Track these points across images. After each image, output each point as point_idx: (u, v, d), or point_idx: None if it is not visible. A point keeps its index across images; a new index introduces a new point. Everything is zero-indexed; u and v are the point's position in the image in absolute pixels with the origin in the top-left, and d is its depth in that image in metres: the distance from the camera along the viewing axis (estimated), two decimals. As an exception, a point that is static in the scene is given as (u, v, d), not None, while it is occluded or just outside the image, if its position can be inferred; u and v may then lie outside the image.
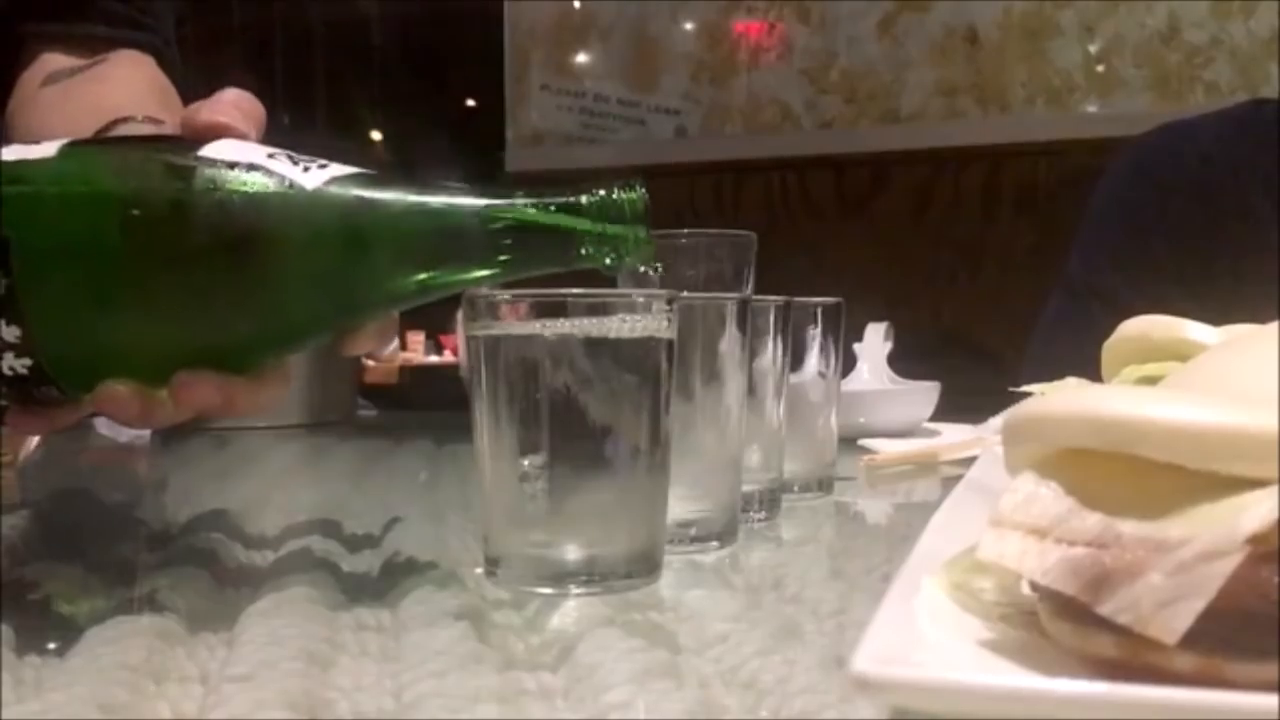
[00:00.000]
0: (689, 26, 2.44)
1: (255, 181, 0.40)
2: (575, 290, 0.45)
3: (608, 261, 0.43)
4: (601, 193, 0.42)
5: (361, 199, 0.41)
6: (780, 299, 0.62)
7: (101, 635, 0.38)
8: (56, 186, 0.41)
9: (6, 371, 0.41)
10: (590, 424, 0.45)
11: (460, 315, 0.48)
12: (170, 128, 0.48)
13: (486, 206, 0.42)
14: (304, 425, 1.19)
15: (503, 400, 0.45)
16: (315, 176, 0.41)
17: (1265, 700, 0.22)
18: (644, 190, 0.43)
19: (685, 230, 0.58)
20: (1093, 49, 2.14)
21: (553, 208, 0.42)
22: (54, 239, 0.40)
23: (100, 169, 0.41)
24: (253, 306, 0.41)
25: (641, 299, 0.46)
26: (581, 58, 2.52)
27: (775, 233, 2.18)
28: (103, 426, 1.35)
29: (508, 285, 0.44)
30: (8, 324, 0.40)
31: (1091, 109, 2.14)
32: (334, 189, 0.41)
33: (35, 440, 0.95)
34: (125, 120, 0.56)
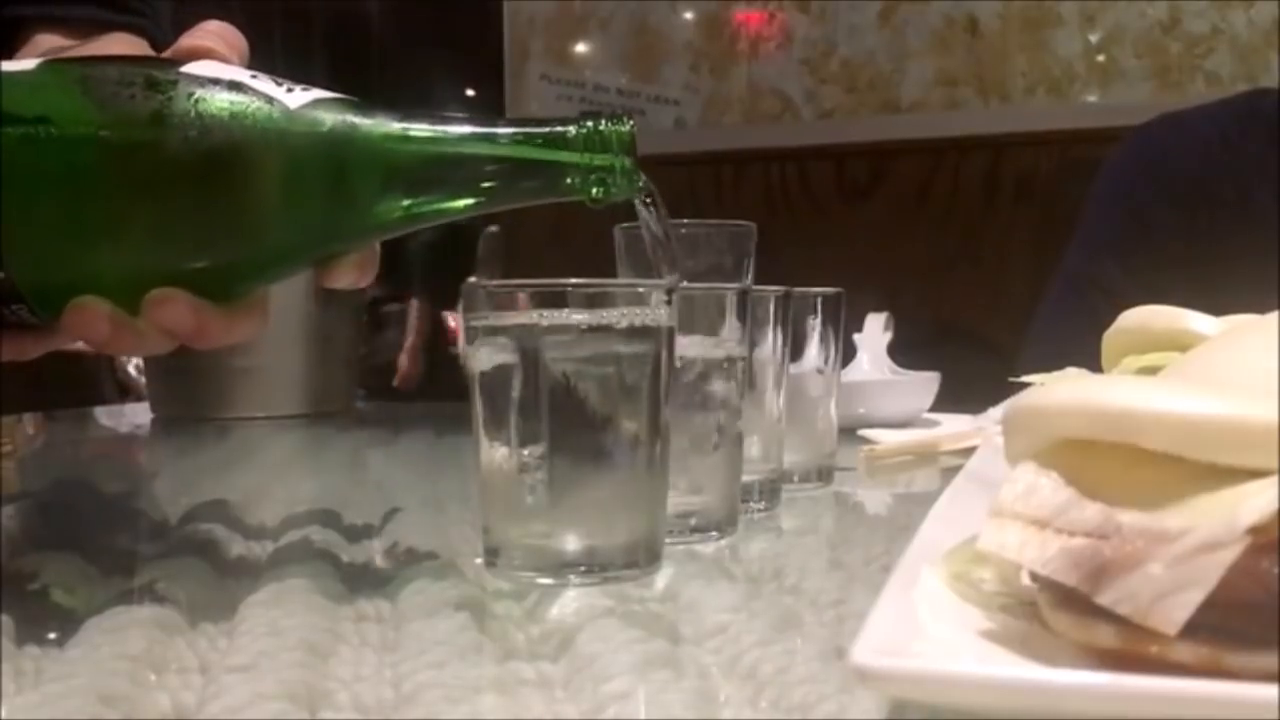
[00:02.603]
0: (689, 16, 2.43)
1: (237, 100, 0.40)
2: (575, 280, 0.45)
3: (594, 193, 0.42)
4: (589, 124, 0.42)
5: (346, 122, 0.40)
6: (780, 289, 0.62)
7: (101, 625, 0.38)
8: (32, 100, 0.39)
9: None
10: (590, 414, 0.45)
11: (460, 304, 0.48)
12: None
13: (473, 134, 0.41)
14: (303, 415, 1.19)
15: (502, 391, 0.45)
16: (298, 98, 0.40)
17: (1265, 690, 0.22)
18: (632, 124, 0.42)
19: (685, 220, 0.58)
20: (1093, 39, 2.14)
21: (539, 139, 0.42)
22: (28, 153, 0.39)
23: (77, 82, 0.40)
24: (230, 228, 0.40)
25: (641, 289, 0.46)
26: (581, 48, 2.51)
27: (775, 223, 2.18)
28: (103, 416, 1.36)
29: (496, 219, 0.44)
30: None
31: (1092, 99, 2.14)
32: (318, 111, 0.40)
33: (35, 430, 0.95)
34: None
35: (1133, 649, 0.26)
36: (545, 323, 0.45)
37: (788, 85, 2.33)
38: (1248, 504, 0.25)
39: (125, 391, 1.93)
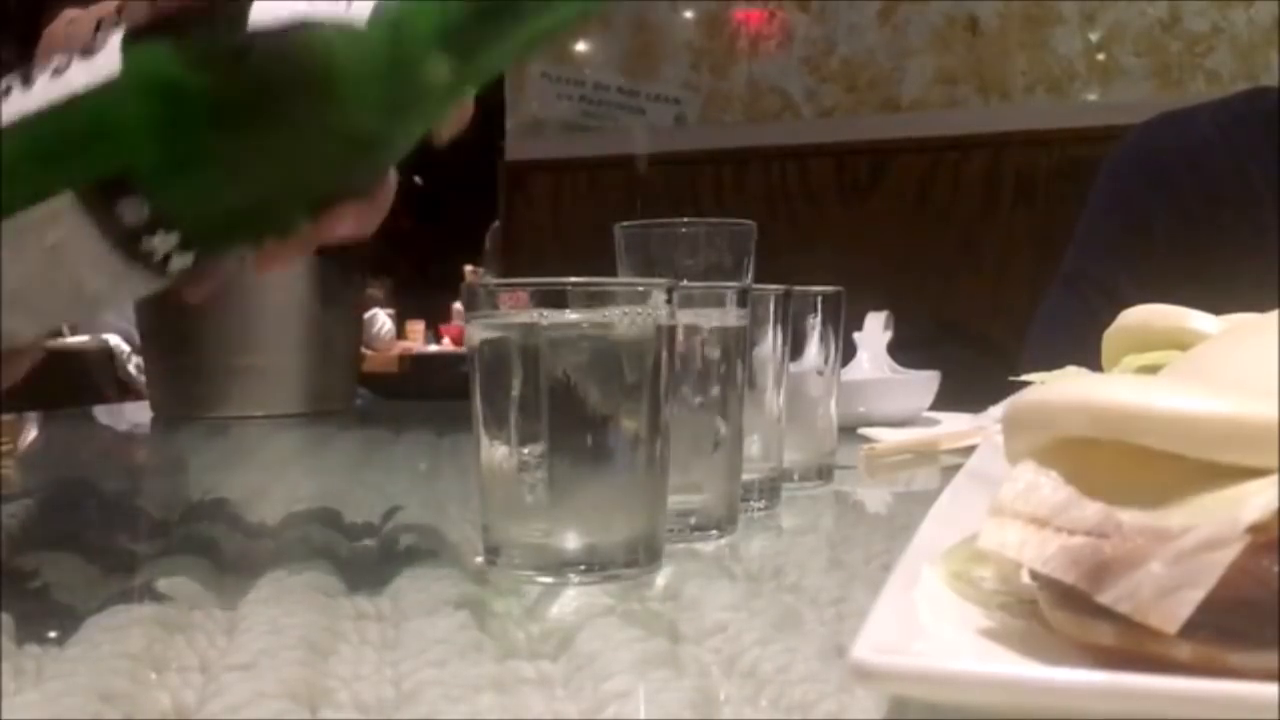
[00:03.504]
0: (689, 15, 2.43)
1: (315, 33, 0.42)
2: (575, 279, 0.45)
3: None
4: None
5: (409, 11, 0.43)
6: (780, 288, 0.62)
7: (101, 624, 0.38)
8: (149, 104, 0.41)
9: (176, 267, 0.43)
10: (590, 413, 0.45)
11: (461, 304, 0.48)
12: None
13: None
14: (303, 414, 1.19)
15: (502, 389, 0.45)
16: (359, 9, 0.42)
17: (1266, 689, 0.22)
18: None
19: (685, 219, 0.58)
20: (1094, 37, 2.14)
21: None
22: (171, 148, 0.41)
23: (176, 72, 0.42)
24: (360, 137, 0.43)
25: (641, 288, 0.46)
26: (581, 46, 2.51)
27: (775, 221, 2.18)
28: (102, 415, 1.36)
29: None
30: (166, 232, 0.42)
31: (1092, 98, 2.14)
32: (382, 14, 0.42)
33: (35, 429, 0.95)
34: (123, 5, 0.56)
35: (1133, 647, 0.26)
36: (545, 321, 0.45)
37: (788, 84, 2.33)
38: (1248, 502, 0.25)
39: (125, 390, 1.93)
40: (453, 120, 0.47)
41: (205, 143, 0.42)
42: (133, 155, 0.41)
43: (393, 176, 0.48)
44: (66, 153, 0.42)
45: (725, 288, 0.56)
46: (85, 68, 0.42)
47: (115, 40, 0.43)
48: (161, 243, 0.42)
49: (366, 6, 0.42)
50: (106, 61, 0.42)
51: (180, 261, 0.43)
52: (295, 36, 0.42)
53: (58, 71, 0.43)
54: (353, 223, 0.46)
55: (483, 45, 0.44)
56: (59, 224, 0.41)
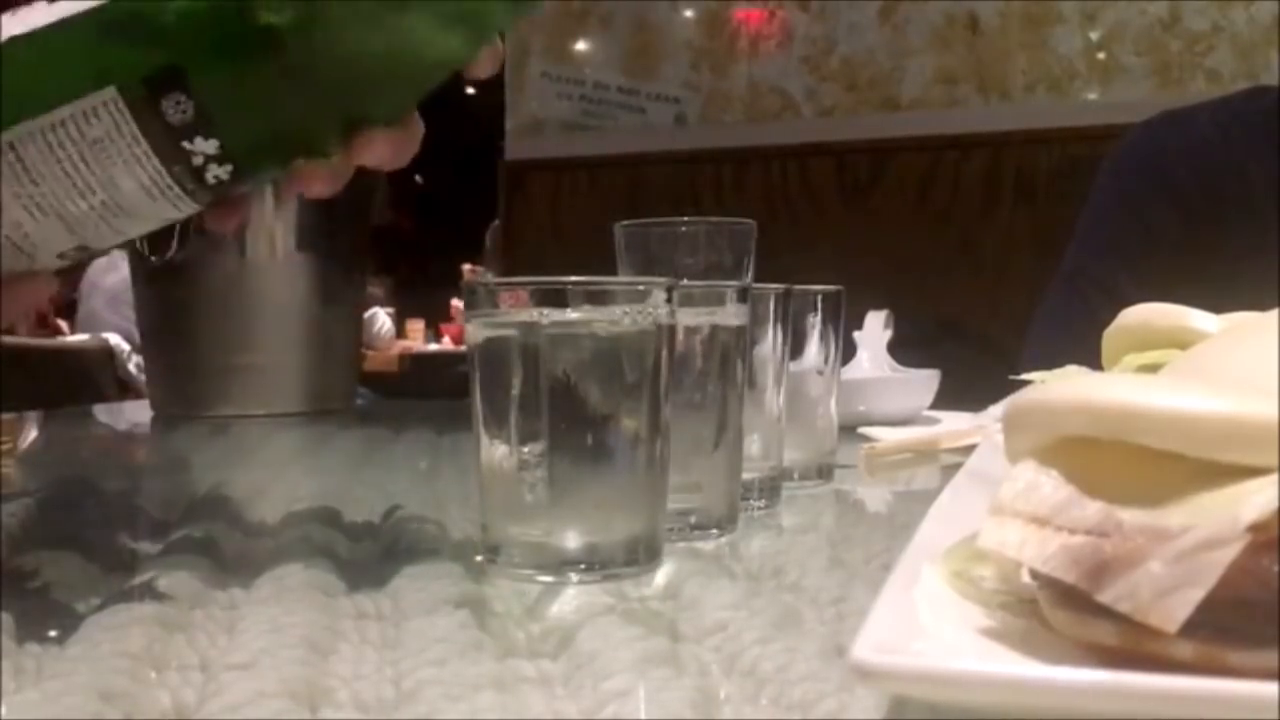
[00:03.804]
0: (689, 14, 2.43)
1: None
2: (575, 278, 0.45)
3: None
4: None
5: None
6: (780, 287, 0.62)
7: (101, 623, 0.38)
8: (205, 5, 0.42)
9: (211, 180, 0.44)
10: (590, 412, 0.45)
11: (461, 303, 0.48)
12: None
13: None
14: (304, 413, 1.19)
15: (502, 388, 0.45)
16: None
17: (1266, 688, 0.22)
18: None
19: (685, 218, 0.58)
20: (1094, 36, 2.14)
21: None
22: (220, 54, 0.42)
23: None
24: (402, 60, 0.44)
25: (641, 287, 0.46)
26: (581, 45, 2.51)
27: (775, 221, 2.18)
28: (102, 414, 1.36)
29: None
30: (205, 138, 0.42)
31: (1092, 97, 2.14)
32: None
33: (35, 428, 0.95)
34: None
35: (1133, 647, 0.26)
36: (545, 320, 0.45)
37: (788, 83, 2.33)
38: (1248, 502, 0.25)
39: (125, 389, 1.94)
40: (486, 58, 0.47)
41: (253, 47, 0.42)
42: (182, 54, 0.42)
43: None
44: (115, 45, 0.42)
45: (725, 287, 0.56)
46: None
47: None
48: (202, 147, 0.43)
49: None
50: None
51: (217, 172, 0.43)
52: None
53: None
54: (386, 150, 0.46)
55: None
56: (102, 119, 0.41)
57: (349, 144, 0.46)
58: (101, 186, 0.43)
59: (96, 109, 0.41)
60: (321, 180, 0.47)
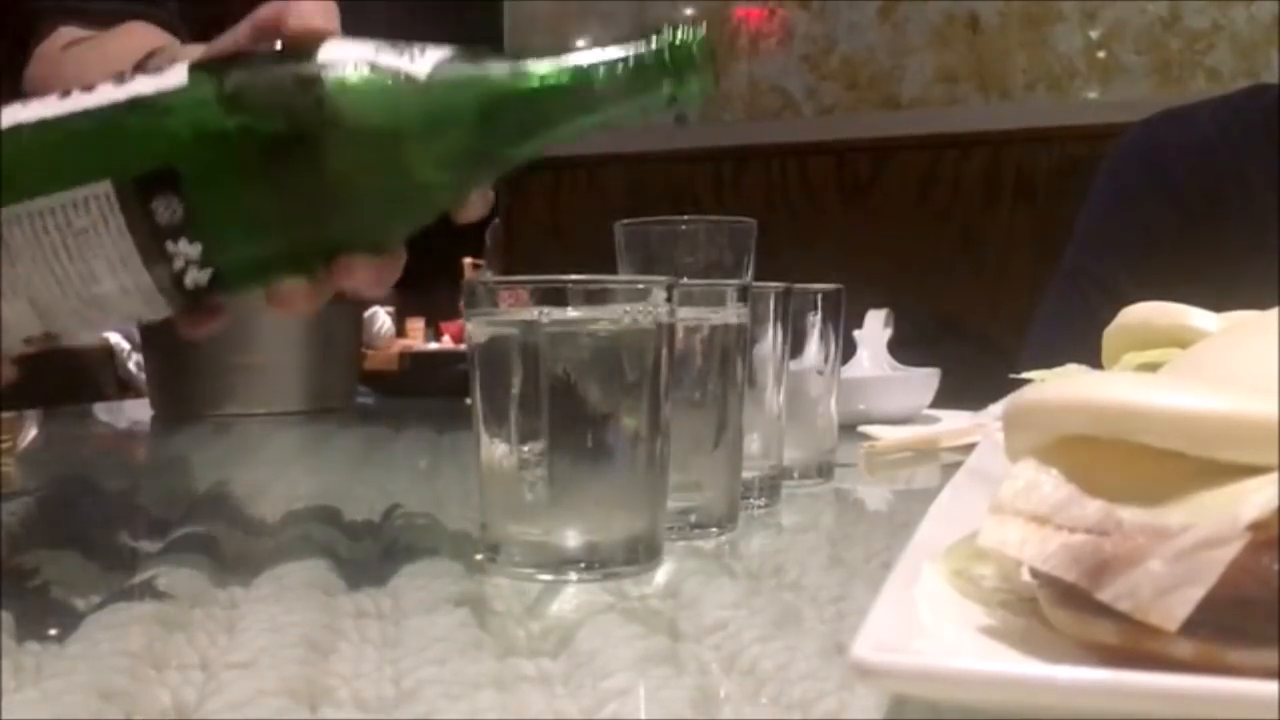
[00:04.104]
0: (689, 12, 2.43)
1: (375, 80, 0.44)
2: (575, 277, 0.45)
3: (683, 97, 0.46)
4: (669, 37, 0.45)
5: (469, 77, 0.45)
6: (780, 286, 0.62)
7: (101, 622, 0.38)
8: (209, 115, 0.43)
9: (189, 285, 0.44)
10: (590, 411, 0.45)
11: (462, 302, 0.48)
12: (243, 40, 0.51)
13: (575, 67, 0.45)
14: (304, 412, 1.19)
15: (502, 387, 0.45)
16: (423, 64, 0.44)
17: (1265, 686, 0.22)
18: (703, 32, 0.46)
19: (685, 217, 0.58)
20: (1094, 35, 2.14)
21: (628, 62, 0.45)
22: (216, 162, 0.43)
23: (241, 93, 0.43)
24: (395, 193, 0.45)
25: (641, 286, 0.46)
26: (581, 44, 2.51)
27: (775, 219, 2.18)
28: (102, 413, 1.36)
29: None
30: (190, 242, 0.43)
31: (1092, 95, 2.14)
32: (443, 73, 0.44)
33: (35, 427, 0.95)
34: (159, 50, 0.57)
35: (1133, 645, 0.26)
36: (546, 319, 0.45)
37: (788, 82, 2.33)
38: (1248, 500, 0.25)
39: (125, 388, 1.93)
40: (476, 203, 0.48)
41: (251, 161, 0.43)
42: (181, 157, 0.42)
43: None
44: (118, 142, 0.43)
45: (725, 285, 0.55)
46: (150, 80, 0.44)
47: (183, 65, 0.44)
48: (185, 250, 0.43)
49: (430, 62, 0.44)
50: (174, 77, 0.44)
51: (196, 277, 0.44)
52: (356, 78, 0.43)
53: (120, 80, 0.44)
54: (367, 277, 0.46)
55: (527, 130, 0.45)
56: (90, 210, 0.42)
57: (331, 266, 0.46)
58: (79, 277, 0.43)
59: (87, 200, 0.42)
60: (298, 299, 0.47)
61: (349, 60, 0.44)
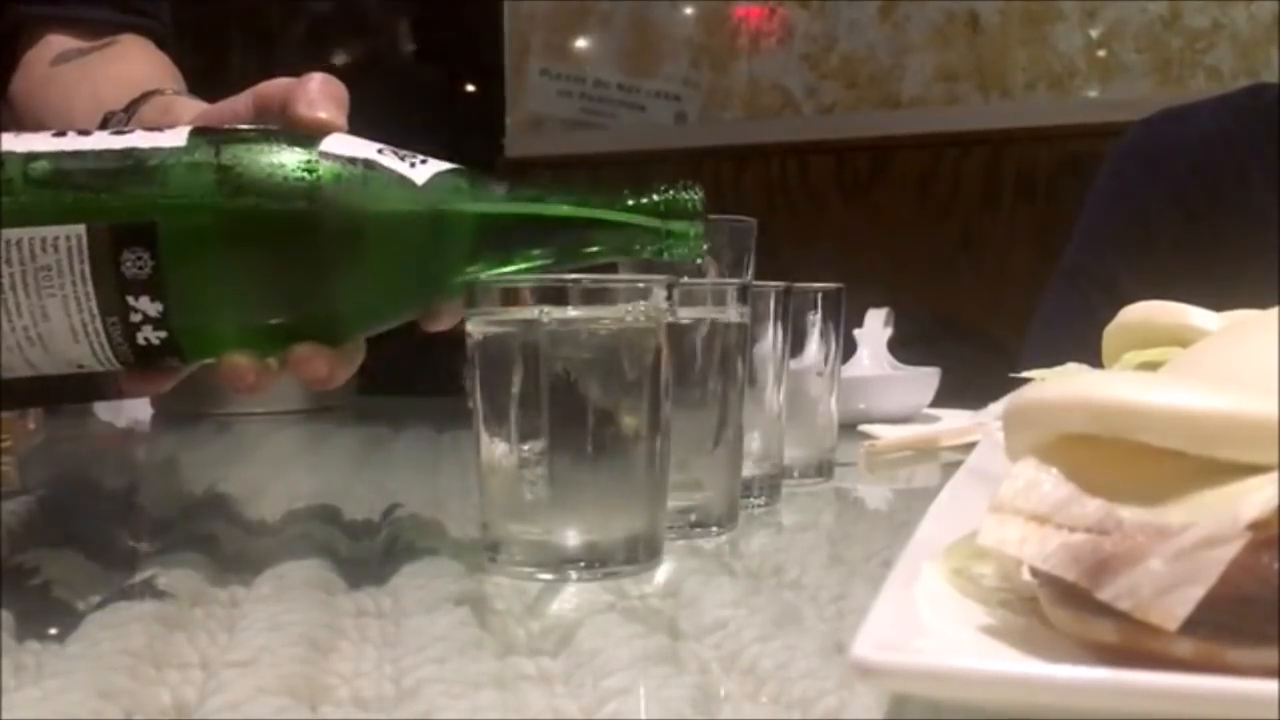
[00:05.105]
0: (689, 11, 2.43)
1: (373, 177, 0.44)
2: (575, 276, 0.45)
3: (664, 256, 0.47)
4: (670, 193, 0.47)
5: (462, 193, 0.45)
6: (780, 285, 0.62)
7: (101, 621, 0.38)
8: (201, 183, 0.43)
9: (141, 342, 0.44)
10: (590, 410, 0.45)
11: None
12: (244, 110, 0.51)
13: (563, 204, 0.46)
14: (304, 411, 1.19)
15: (502, 386, 0.45)
16: (421, 172, 0.45)
17: (1266, 685, 0.22)
18: (701, 193, 0.47)
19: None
20: (1094, 34, 2.14)
21: (625, 207, 0.46)
22: (198, 228, 0.43)
23: (237, 168, 0.44)
24: (368, 289, 0.45)
25: (641, 285, 0.46)
26: (581, 43, 2.51)
27: (775, 218, 2.18)
28: (103, 412, 1.35)
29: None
30: (151, 300, 0.43)
31: (1093, 94, 2.14)
32: (439, 184, 0.45)
33: (35, 426, 0.95)
34: (154, 94, 0.57)
35: (1133, 644, 0.26)
36: (546, 318, 0.45)
37: (788, 80, 2.33)
38: (1248, 499, 0.25)
39: (125, 387, 1.93)
40: (446, 314, 0.48)
41: (231, 237, 0.43)
42: (161, 216, 0.42)
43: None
44: (102, 186, 0.43)
45: (725, 284, 0.55)
46: (149, 136, 0.44)
47: (184, 129, 0.45)
48: (145, 306, 0.43)
49: (428, 172, 0.45)
50: (172, 137, 0.44)
51: (150, 335, 0.44)
52: (352, 174, 0.44)
53: (118, 130, 0.45)
54: (322, 369, 0.46)
55: (511, 255, 0.46)
56: (58, 250, 0.42)
57: (287, 352, 0.46)
58: (30, 313, 0.42)
59: (57, 239, 0.42)
60: (249, 378, 0.46)
61: (348, 156, 0.45)
